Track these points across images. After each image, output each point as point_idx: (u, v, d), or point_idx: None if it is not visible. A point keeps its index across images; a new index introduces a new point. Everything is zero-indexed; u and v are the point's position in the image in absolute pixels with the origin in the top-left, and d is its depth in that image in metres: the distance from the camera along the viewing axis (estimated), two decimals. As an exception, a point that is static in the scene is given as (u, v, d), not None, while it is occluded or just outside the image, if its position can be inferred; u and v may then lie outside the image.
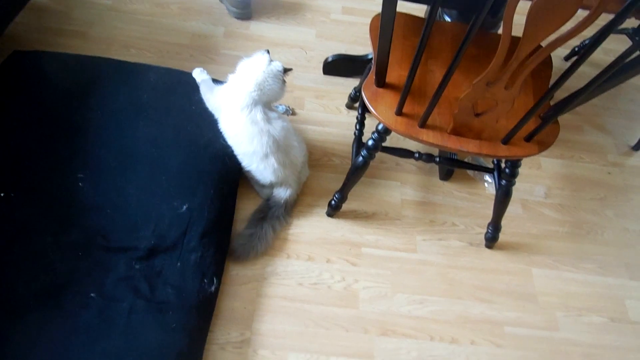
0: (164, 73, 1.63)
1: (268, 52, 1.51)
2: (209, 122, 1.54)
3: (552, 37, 0.93)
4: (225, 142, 1.52)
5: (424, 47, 1.02)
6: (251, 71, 1.46)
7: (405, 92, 1.17)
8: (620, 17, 0.87)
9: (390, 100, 1.26)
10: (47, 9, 2.00)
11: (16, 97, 1.49)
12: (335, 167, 1.72)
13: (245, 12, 2.08)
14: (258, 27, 2.09)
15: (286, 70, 1.50)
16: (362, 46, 2.06)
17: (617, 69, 0.99)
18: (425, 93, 1.30)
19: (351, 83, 1.95)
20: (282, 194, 1.55)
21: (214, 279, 1.35)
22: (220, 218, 1.43)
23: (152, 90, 1.57)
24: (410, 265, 1.55)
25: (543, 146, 1.27)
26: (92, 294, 1.26)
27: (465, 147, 1.24)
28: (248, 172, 1.54)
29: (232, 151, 1.53)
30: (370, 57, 1.92)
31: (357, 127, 1.65)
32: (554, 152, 1.89)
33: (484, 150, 1.25)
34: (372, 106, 1.26)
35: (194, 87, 1.62)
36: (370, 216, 1.64)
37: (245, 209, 1.57)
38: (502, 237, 1.62)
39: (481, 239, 1.63)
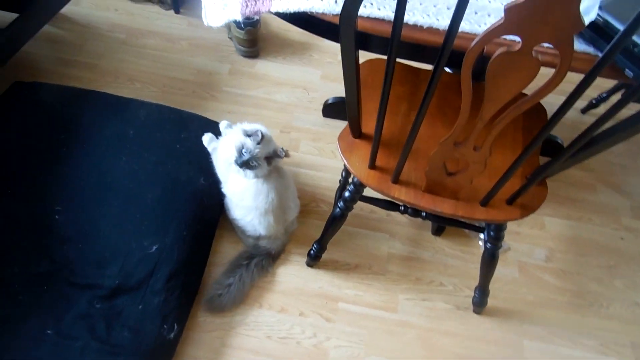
0: (154, 110, 1.64)
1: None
2: (191, 161, 1.53)
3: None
4: (206, 181, 1.50)
5: (387, 98, 0.97)
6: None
7: (375, 144, 1.11)
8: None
9: (365, 152, 1.21)
10: (62, 40, 2.07)
11: (7, 126, 1.53)
12: (322, 214, 1.67)
13: (253, 51, 2.09)
14: (264, 66, 2.10)
15: (262, 138, 1.35)
16: (368, 90, 2.02)
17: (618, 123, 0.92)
18: (402, 145, 1.24)
19: (350, 127, 1.90)
20: (270, 244, 1.50)
21: (175, 325, 1.31)
22: (190, 261, 1.39)
23: (140, 125, 1.57)
24: (388, 326, 1.45)
25: (526, 210, 1.18)
26: (48, 331, 1.24)
27: (440, 207, 1.17)
28: (236, 221, 1.50)
29: (213, 191, 1.50)
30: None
31: (343, 174, 1.60)
32: (560, 212, 1.77)
33: (459, 212, 1.17)
34: (345, 157, 1.21)
35: (182, 125, 1.61)
36: (353, 268, 1.56)
37: (223, 252, 1.53)
38: (494, 302, 1.50)
39: (470, 302, 1.52)
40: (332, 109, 1.92)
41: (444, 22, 0.99)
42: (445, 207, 1.17)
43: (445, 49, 0.78)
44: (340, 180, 1.58)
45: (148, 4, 2.26)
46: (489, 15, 1.02)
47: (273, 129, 1.87)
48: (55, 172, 1.46)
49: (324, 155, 1.83)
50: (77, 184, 1.44)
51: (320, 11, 0.99)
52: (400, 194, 1.17)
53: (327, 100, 1.92)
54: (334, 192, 1.72)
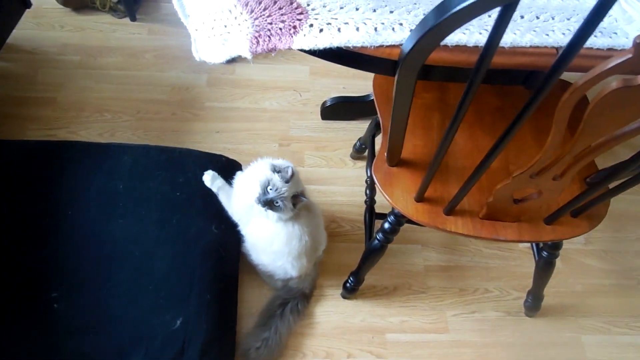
0: (140, 153, 1.42)
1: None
2: (197, 209, 1.34)
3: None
4: (218, 229, 1.32)
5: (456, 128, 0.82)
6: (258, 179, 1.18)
7: (428, 178, 0.96)
8: None
9: (407, 182, 1.06)
10: (9, 75, 1.78)
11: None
12: (347, 234, 1.52)
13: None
14: (244, 70, 1.87)
15: (292, 176, 1.17)
16: (362, 80, 1.84)
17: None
18: (447, 166, 1.09)
19: (354, 127, 1.74)
20: (301, 284, 1.35)
21: (220, 403, 1.16)
22: (221, 326, 1.24)
23: (129, 176, 1.36)
24: (442, 349, 1.35)
25: (594, 221, 1.07)
26: None
27: (503, 234, 1.04)
28: (263, 266, 1.34)
29: (228, 239, 1.33)
30: (372, 97, 1.71)
31: (367, 193, 1.45)
32: (590, 188, 1.67)
33: (525, 237, 1.04)
34: (386, 193, 1.05)
35: (176, 166, 1.41)
36: (392, 292, 1.43)
37: (250, 300, 1.38)
38: (544, 299, 1.42)
39: (519, 305, 1.43)
40: (331, 111, 1.74)
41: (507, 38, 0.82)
42: (508, 233, 1.04)
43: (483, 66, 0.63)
44: (366, 201, 1.42)
45: (97, 13, 1.97)
46: (552, 19, 0.85)
47: (270, 143, 1.69)
48: (42, 252, 1.25)
49: (332, 165, 1.66)
50: (72, 262, 1.24)
51: (359, 44, 0.80)
52: (457, 226, 1.03)
53: (325, 102, 1.73)
54: (353, 206, 1.57)
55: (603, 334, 1.41)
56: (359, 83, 1.85)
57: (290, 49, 0.82)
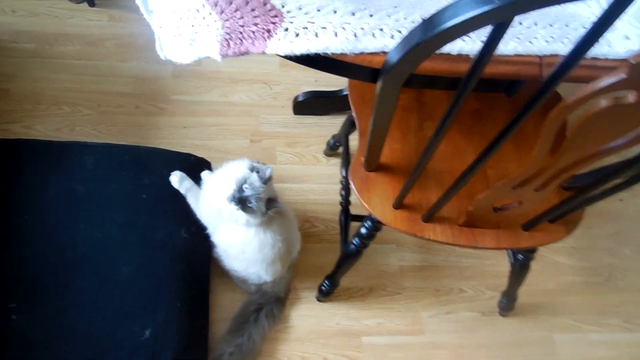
0: (103, 152, 1.33)
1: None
2: (164, 211, 1.27)
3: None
4: (187, 233, 1.26)
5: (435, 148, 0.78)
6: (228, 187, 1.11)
7: (409, 185, 0.93)
8: None
9: (385, 187, 1.02)
10: (-46, 64, 1.66)
11: None
12: (321, 235, 1.48)
13: None
14: (211, 62, 1.78)
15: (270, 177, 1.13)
16: (335, 73, 1.79)
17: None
18: (425, 169, 1.06)
19: (327, 122, 1.69)
20: (275, 287, 1.31)
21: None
22: (192, 335, 1.18)
23: (91, 178, 1.28)
24: (419, 352, 1.34)
25: (571, 225, 1.06)
26: None
27: (481, 242, 1.02)
28: (236, 272, 1.28)
29: (199, 242, 1.27)
30: (346, 92, 1.66)
31: (343, 194, 1.41)
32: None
33: (503, 244, 1.03)
34: (364, 199, 1.02)
35: (142, 166, 1.33)
36: (367, 293, 1.41)
37: (221, 304, 1.33)
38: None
39: (493, 305, 1.43)
40: (303, 106, 1.69)
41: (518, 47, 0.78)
42: (487, 241, 1.02)
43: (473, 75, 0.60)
44: (341, 203, 1.39)
45: (52, -3, 1.85)
46: (535, 25, 0.82)
47: (241, 139, 1.63)
48: (-3, 258, 1.16)
49: (305, 162, 1.62)
50: (30, 270, 1.16)
51: (339, 51, 0.76)
52: (436, 234, 1.01)
53: (297, 97, 1.67)
54: (326, 205, 1.53)
55: (574, 332, 1.43)
56: (331, 76, 1.79)
57: (263, 53, 0.77)
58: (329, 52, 0.75)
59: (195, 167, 1.40)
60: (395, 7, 0.80)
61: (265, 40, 0.76)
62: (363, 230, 1.14)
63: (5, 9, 1.80)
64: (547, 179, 0.81)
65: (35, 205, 1.24)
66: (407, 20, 0.78)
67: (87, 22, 1.82)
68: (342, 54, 0.75)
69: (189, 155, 1.44)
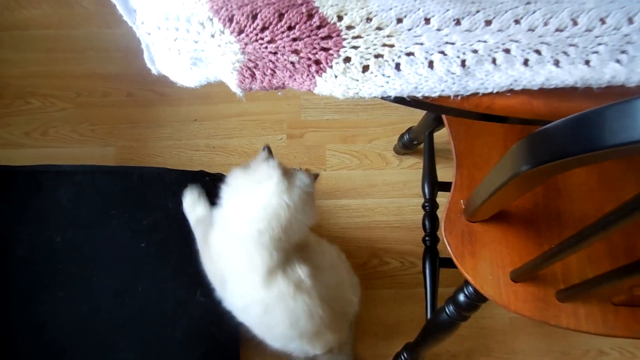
0: (83, 183, 0.88)
1: (269, 151, 0.78)
2: (172, 267, 0.87)
3: None
4: (204, 295, 0.85)
5: None
6: (261, 206, 0.73)
7: (544, 260, 0.52)
8: None
9: (498, 248, 0.64)
10: None
11: None
12: (395, 274, 1.05)
13: None
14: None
15: (316, 177, 0.79)
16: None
17: None
18: (558, 213, 0.64)
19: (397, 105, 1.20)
20: (335, 357, 0.94)
21: None
22: None
23: (69, 221, 0.85)
24: None
25: None
26: None
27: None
28: (272, 347, 0.89)
29: (222, 311, 0.86)
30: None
31: (426, 225, 0.94)
32: None
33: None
34: (465, 268, 0.63)
35: (138, 200, 0.90)
36: (465, 362, 1.00)
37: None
38: None
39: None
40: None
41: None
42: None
43: None
44: (425, 240, 0.92)
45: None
46: None
47: (273, 134, 1.17)
48: None
49: (366, 166, 1.15)
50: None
51: (436, 94, 0.38)
52: (578, 321, 0.62)
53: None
54: (401, 231, 1.09)
55: None
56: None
57: (311, 90, 0.41)
58: (419, 95, 0.39)
59: (210, 189, 0.96)
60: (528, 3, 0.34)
61: (314, 77, 0.40)
62: (461, 298, 0.72)
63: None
64: None
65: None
66: (548, 28, 0.38)
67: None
68: (441, 97, 0.39)
69: (202, 174, 1.00)
